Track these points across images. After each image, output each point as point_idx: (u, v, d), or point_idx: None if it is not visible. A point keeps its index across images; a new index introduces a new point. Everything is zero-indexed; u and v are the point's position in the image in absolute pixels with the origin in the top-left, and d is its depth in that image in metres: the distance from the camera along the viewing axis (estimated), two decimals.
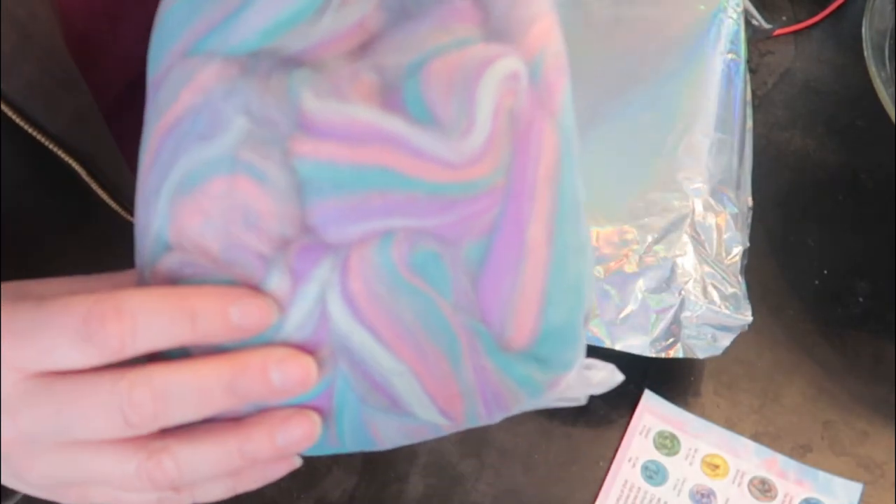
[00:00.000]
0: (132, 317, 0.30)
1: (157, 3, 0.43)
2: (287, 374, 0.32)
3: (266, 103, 0.31)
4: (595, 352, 0.62)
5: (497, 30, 0.32)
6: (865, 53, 0.67)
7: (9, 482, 0.34)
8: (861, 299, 0.69)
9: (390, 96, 0.31)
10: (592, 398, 0.65)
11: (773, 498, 0.61)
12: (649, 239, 0.62)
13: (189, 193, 0.32)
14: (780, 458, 0.62)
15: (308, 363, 0.32)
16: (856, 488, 0.61)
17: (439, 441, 0.62)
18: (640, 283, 0.61)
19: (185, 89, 0.32)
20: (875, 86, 0.66)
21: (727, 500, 0.61)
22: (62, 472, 0.32)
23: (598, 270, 0.61)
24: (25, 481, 0.34)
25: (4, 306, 0.32)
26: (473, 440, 0.63)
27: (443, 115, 0.31)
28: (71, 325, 0.30)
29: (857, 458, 0.62)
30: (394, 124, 0.31)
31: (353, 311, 0.32)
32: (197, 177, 0.32)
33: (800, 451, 0.63)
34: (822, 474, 0.62)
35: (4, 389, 0.31)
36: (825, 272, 0.71)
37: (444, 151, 0.31)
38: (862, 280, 0.70)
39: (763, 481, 0.61)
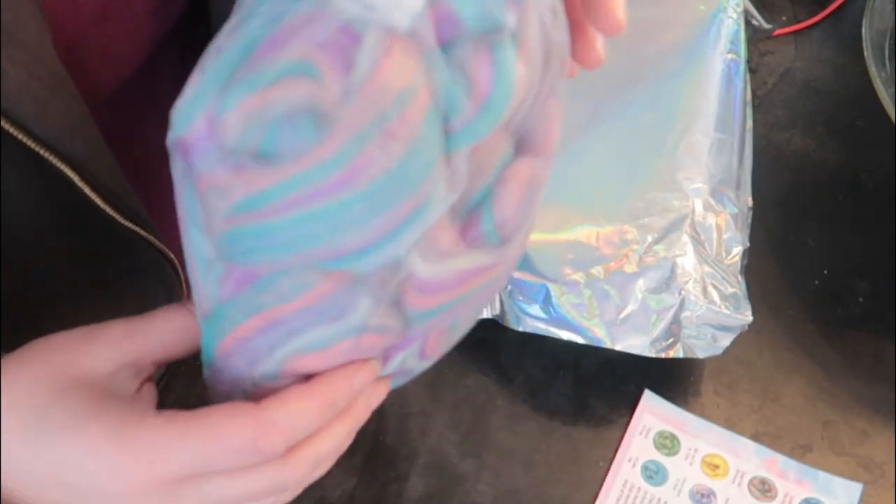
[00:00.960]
0: (292, 428, 0.35)
1: (143, 4, 0.42)
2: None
3: (385, 279, 0.34)
4: (595, 352, 0.63)
5: (518, 134, 0.36)
6: (865, 53, 0.67)
7: None
8: (861, 299, 0.69)
9: (469, 231, 0.35)
10: (592, 398, 0.66)
11: (773, 498, 0.61)
12: (649, 239, 0.62)
13: (313, 352, 0.35)
14: (780, 458, 0.62)
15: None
16: (856, 488, 0.61)
17: (439, 441, 0.62)
18: (640, 283, 0.61)
19: (309, 292, 0.33)
20: (875, 86, 0.66)
21: (727, 500, 0.61)
22: None
23: (598, 270, 0.61)
24: None
25: (129, 420, 0.34)
26: (473, 440, 0.63)
27: (509, 235, 0.36)
28: (239, 447, 0.34)
29: (857, 458, 0.62)
30: (482, 261, 0.36)
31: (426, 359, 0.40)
32: (324, 342, 0.35)
33: (800, 451, 0.63)
34: (822, 474, 0.62)
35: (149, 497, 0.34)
36: (825, 272, 0.71)
37: (509, 258, 0.38)
38: (862, 280, 0.70)
39: (763, 481, 0.61)
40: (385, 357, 0.38)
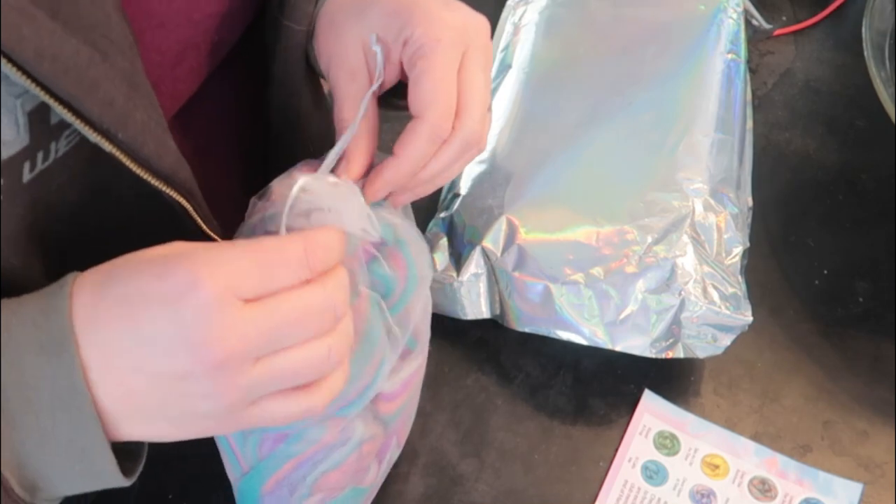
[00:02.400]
0: (329, 247, 0.39)
1: (206, 46, 0.51)
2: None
3: (368, 405, 0.50)
4: (595, 352, 0.63)
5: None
6: (865, 53, 0.67)
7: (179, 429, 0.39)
8: (861, 299, 0.69)
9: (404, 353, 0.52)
10: (592, 398, 0.66)
11: (773, 498, 0.61)
12: (649, 239, 0.62)
13: (333, 470, 0.51)
14: (780, 458, 0.62)
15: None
16: (856, 488, 0.61)
17: (439, 441, 0.62)
18: (641, 284, 0.61)
19: (327, 434, 0.49)
20: (875, 86, 0.66)
21: (727, 500, 0.61)
22: (268, 379, 0.39)
23: (598, 271, 0.61)
24: (217, 410, 0.38)
25: (182, 247, 0.38)
26: (473, 440, 0.63)
27: (421, 338, 0.53)
28: (293, 259, 0.38)
29: (857, 458, 0.62)
30: (414, 364, 0.53)
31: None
32: (340, 461, 0.51)
33: (800, 451, 0.63)
34: (822, 474, 0.62)
35: (225, 319, 0.36)
36: (825, 272, 0.71)
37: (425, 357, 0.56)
38: (862, 280, 0.70)
39: (763, 481, 0.61)
40: (380, 459, 0.55)
